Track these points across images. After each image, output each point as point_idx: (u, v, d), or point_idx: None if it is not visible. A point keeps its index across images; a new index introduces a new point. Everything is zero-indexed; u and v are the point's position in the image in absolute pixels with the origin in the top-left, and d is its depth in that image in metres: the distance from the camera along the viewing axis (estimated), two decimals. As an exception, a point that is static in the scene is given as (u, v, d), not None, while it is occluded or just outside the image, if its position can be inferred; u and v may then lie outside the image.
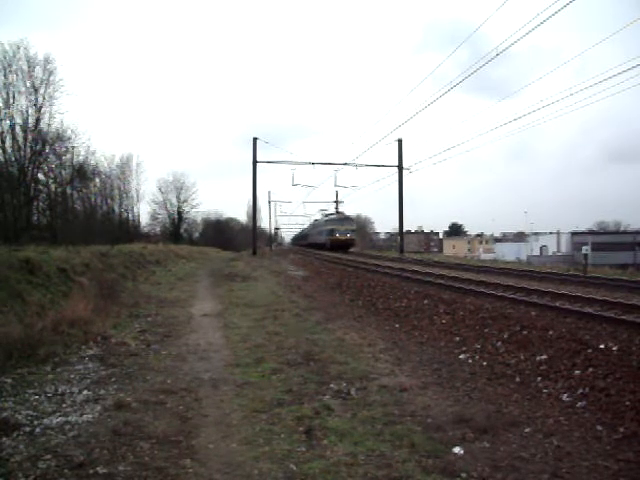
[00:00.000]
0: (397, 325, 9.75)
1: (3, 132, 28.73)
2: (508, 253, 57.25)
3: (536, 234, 67.49)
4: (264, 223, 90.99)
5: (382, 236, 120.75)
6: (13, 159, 29.08)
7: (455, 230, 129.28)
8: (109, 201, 49.60)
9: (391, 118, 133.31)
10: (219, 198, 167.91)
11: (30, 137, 29.72)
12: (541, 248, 59.31)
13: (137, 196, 55.45)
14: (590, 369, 5.89)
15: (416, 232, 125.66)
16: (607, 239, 54.30)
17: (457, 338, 8.20)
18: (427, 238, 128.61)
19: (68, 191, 35.52)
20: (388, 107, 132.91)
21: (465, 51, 55.28)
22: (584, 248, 20.33)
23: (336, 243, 43.61)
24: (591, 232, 62.40)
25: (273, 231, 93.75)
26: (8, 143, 28.92)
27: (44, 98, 30.35)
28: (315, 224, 58.47)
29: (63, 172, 33.89)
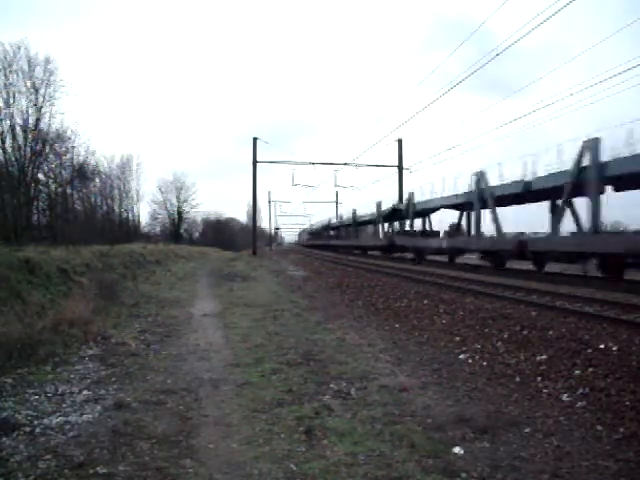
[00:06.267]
0: (397, 325, 9.75)
1: (3, 132, 28.77)
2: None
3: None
4: (264, 223, 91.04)
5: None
6: (13, 159, 29.12)
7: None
8: (109, 201, 49.72)
9: (393, 117, 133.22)
10: (219, 198, 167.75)
11: (30, 137, 29.76)
12: None
13: (137, 196, 55.59)
14: (590, 369, 5.89)
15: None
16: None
17: (457, 338, 8.20)
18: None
19: (68, 191, 35.61)
20: (390, 106, 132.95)
21: (472, 48, 55.31)
22: None
23: None
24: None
25: (273, 231, 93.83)
26: (8, 143, 28.98)
27: (44, 98, 30.41)
28: None
29: (63, 172, 33.99)
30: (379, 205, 34.41)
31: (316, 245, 65.16)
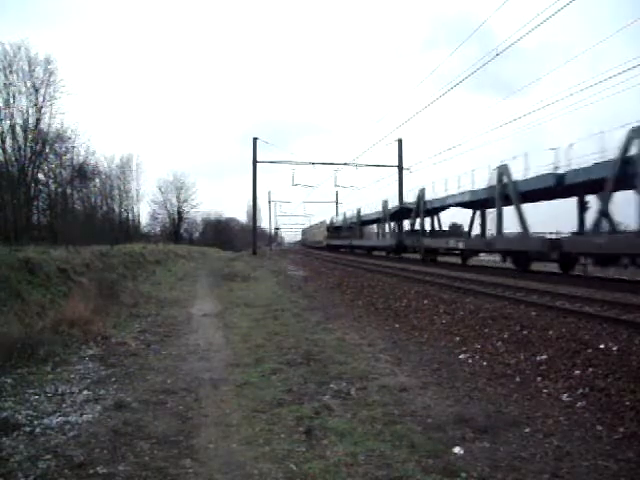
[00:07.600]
0: (397, 325, 9.75)
1: (3, 132, 28.83)
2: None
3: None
4: (264, 223, 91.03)
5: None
6: (13, 159, 29.16)
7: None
8: (109, 201, 49.79)
9: (393, 117, 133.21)
10: (219, 198, 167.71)
11: (30, 137, 29.81)
12: None
13: (137, 196, 55.73)
14: (590, 369, 5.89)
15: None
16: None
17: (457, 338, 8.20)
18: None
19: (68, 191, 35.67)
20: (390, 106, 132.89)
21: (472, 48, 55.43)
22: None
23: None
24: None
25: (273, 231, 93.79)
26: (8, 143, 29.07)
27: (44, 98, 30.51)
28: None
29: (63, 172, 34.06)
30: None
31: (353, 247, 41.77)
